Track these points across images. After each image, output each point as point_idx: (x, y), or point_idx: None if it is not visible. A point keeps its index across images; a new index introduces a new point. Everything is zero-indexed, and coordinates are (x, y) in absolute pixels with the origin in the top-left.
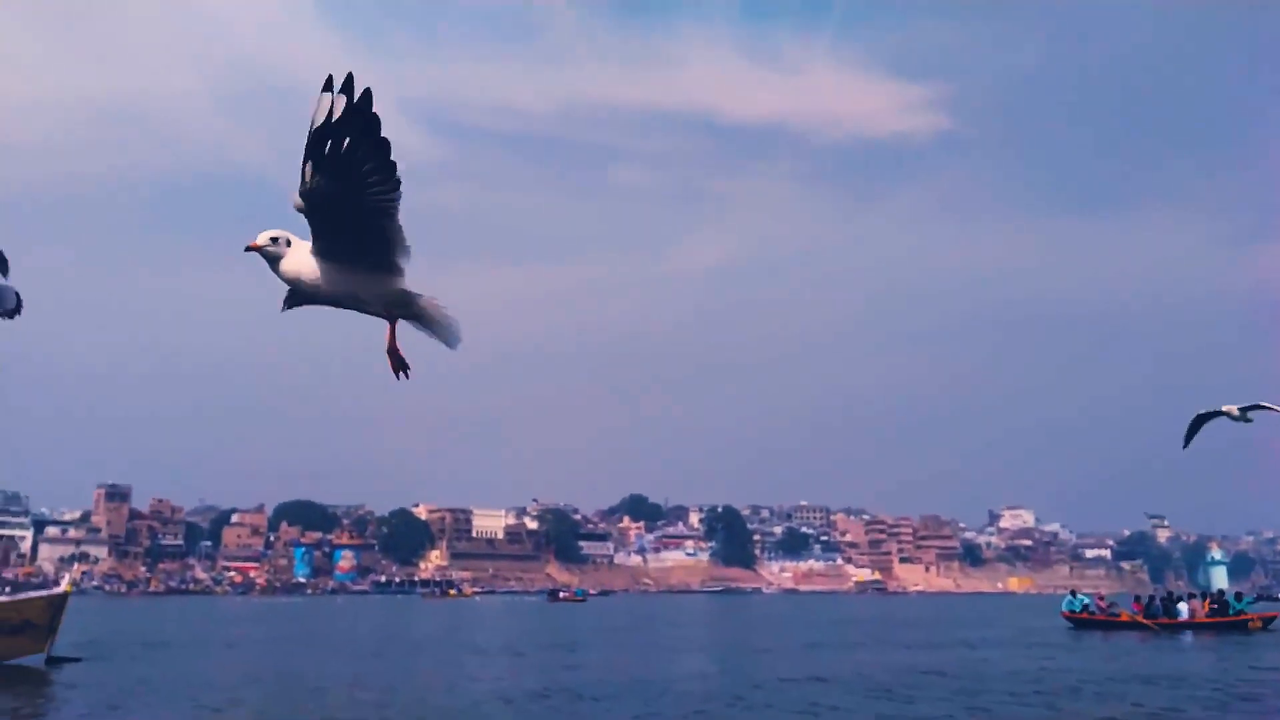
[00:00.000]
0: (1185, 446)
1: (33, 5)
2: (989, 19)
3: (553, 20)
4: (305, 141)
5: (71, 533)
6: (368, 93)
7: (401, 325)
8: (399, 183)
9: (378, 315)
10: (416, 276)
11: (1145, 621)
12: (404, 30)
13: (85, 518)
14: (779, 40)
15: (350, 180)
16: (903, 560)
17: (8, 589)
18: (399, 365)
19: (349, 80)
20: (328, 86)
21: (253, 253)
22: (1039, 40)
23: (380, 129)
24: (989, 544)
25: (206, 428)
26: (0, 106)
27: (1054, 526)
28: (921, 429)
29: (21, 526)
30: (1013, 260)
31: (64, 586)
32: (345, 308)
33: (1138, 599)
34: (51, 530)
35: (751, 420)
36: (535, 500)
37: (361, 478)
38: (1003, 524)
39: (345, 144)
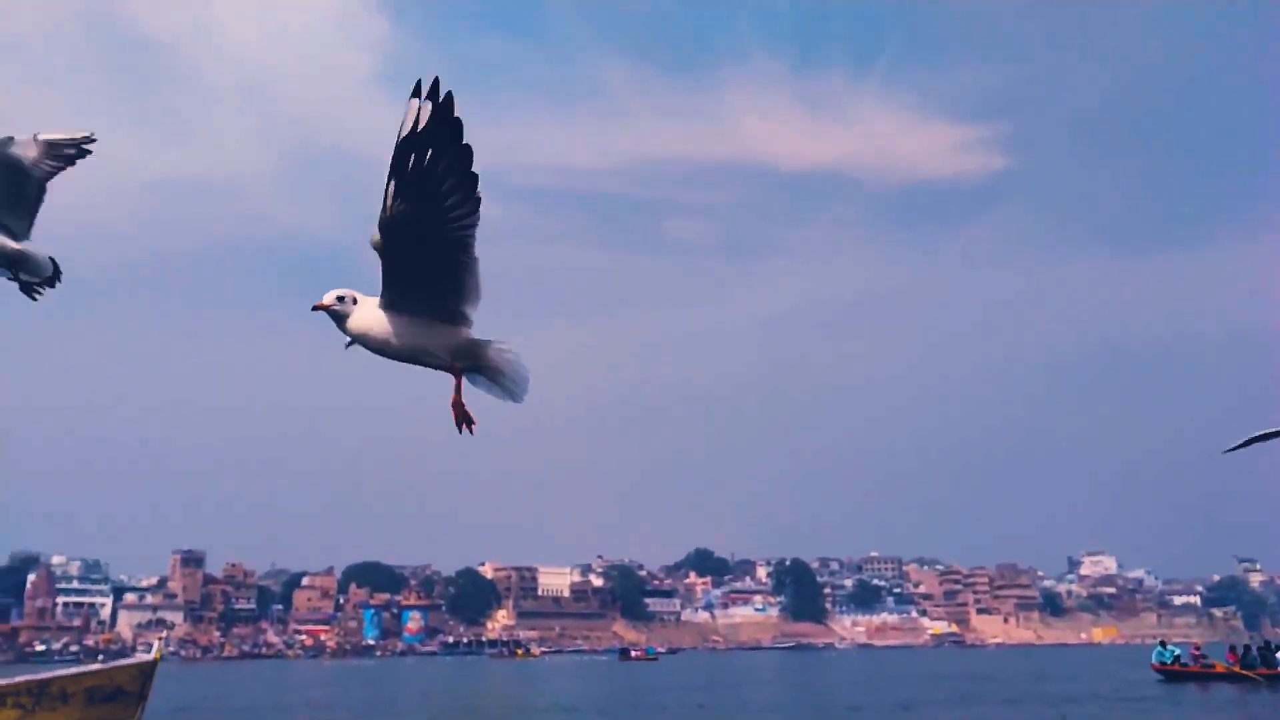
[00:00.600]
0: (1229, 450)
1: (124, 97)
2: (1042, 58)
3: (607, 80)
4: (391, 157)
5: (149, 599)
6: (450, 97)
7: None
8: (478, 202)
9: (443, 368)
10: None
11: (1243, 672)
12: (465, 97)
13: (162, 583)
14: (830, 88)
15: (432, 201)
16: (980, 611)
17: (100, 657)
18: (464, 419)
19: (435, 85)
20: (416, 92)
21: (319, 312)
22: (1096, 77)
23: (463, 133)
24: (1070, 592)
25: (277, 491)
26: (93, 190)
27: (1138, 573)
28: (994, 474)
29: (101, 594)
30: (1083, 298)
31: (154, 654)
32: (412, 362)
33: (1232, 648)
34: (130, 597)
35: (817, 471)
36: (600, 557)
37: (427, 537)
38: (1083, 571)
39: (429, 156)
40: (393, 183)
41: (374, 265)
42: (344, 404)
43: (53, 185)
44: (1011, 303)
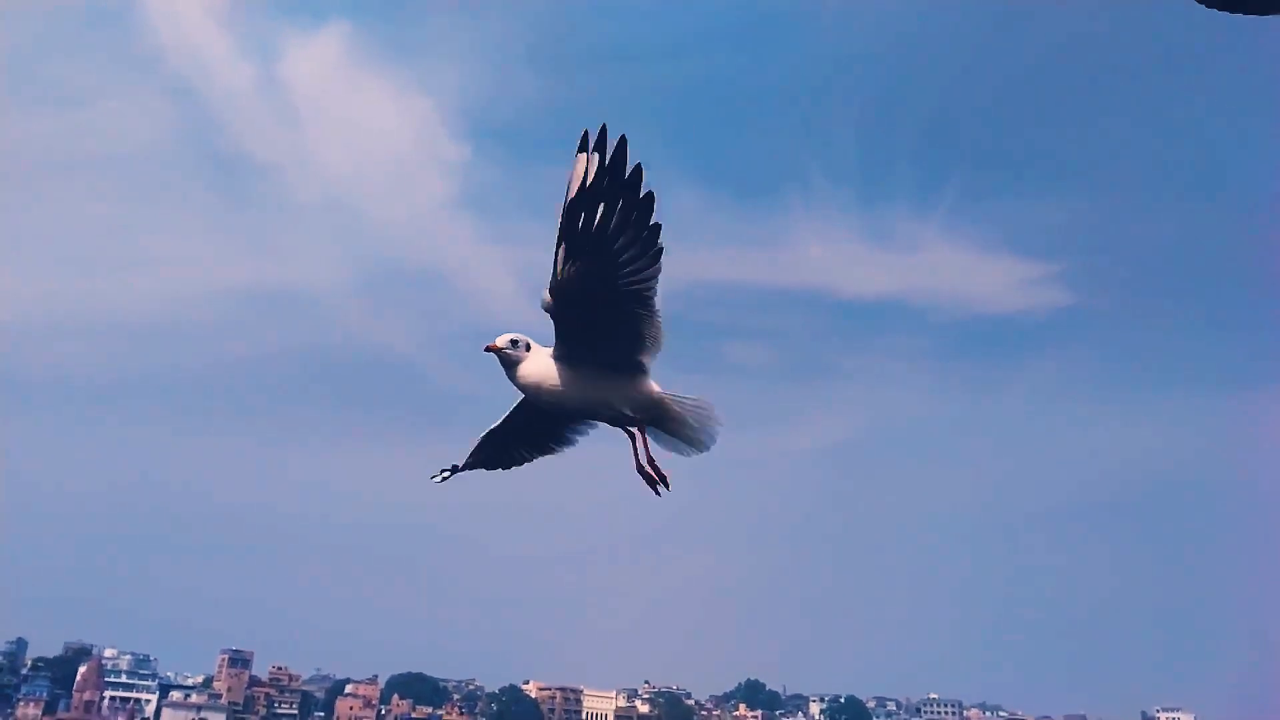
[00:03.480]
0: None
1: (217, 209)
2: (1108, 195)
3: (674, 204)
4: (561, 218)
5: (193, 698)
6: (623, 143)
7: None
8: (659, 253)
9: (622, 423)
10: (550, 456)
11: None
12: (535, 218)
13: (208, 682)
14: (893, 220)
15: (607, 259)
16: None
17: None
18: (657, 478)
19: (603, 135)
20: (583, 146)
21: (490, 353)
22: (1162, 215)
23: (642, 182)
24: None
25: (327, 594)
26: (173, 295)
27: None
28: (1060, 617)
29: (148, 689)
30: (1149, 438)
31: None
32: (587, 418)
33: None
34: (175, 694)
35: (874, 604)
36: (647, 682)
37: (473, 649)
38: None
39: (602, 213)
40: (563, 246)
41: (442, 376)
42: (396, 511)
43: (147, 287)
44: (1075, 440)
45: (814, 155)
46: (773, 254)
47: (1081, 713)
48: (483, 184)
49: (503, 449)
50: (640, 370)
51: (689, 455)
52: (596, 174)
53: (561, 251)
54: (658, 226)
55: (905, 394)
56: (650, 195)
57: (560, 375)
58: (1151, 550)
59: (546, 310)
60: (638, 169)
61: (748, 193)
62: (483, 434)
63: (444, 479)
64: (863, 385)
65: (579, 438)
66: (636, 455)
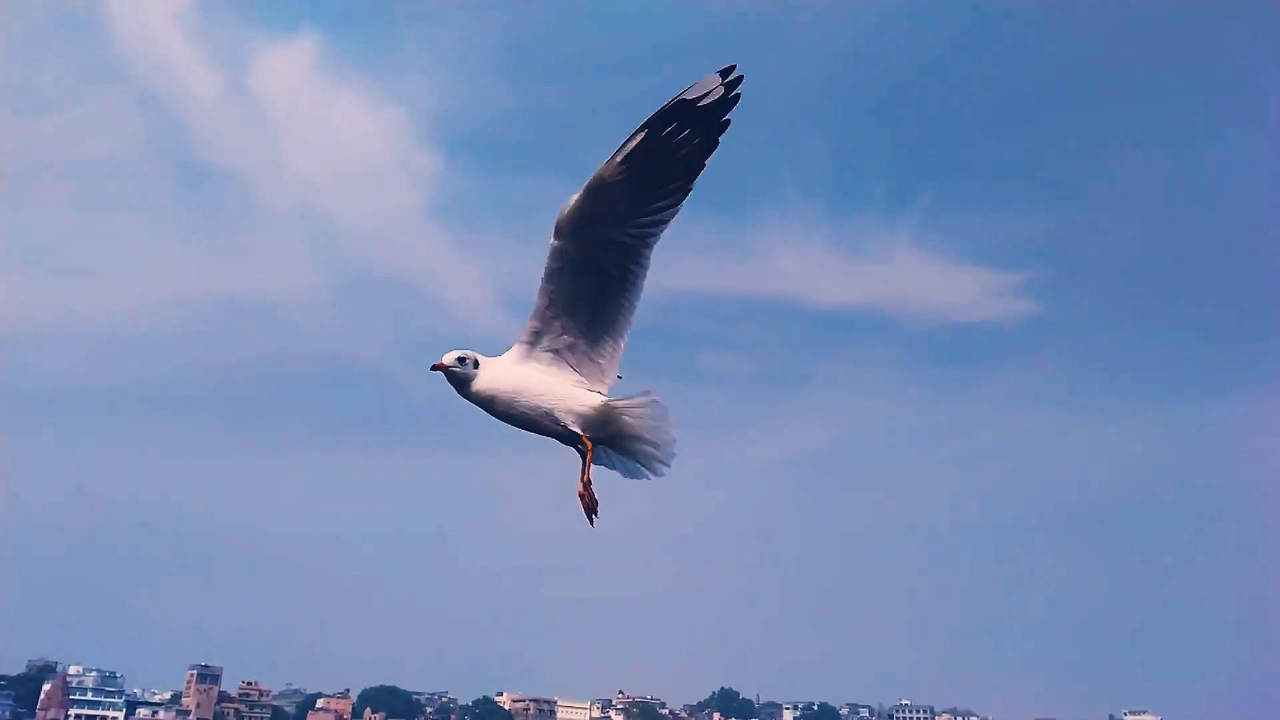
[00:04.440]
0: None
1: (188, 217)
2: (1076, 206)
3: None
4: (658, 111)
5: (161, 715)
6: (738, 90)
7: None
8: (687, 193)
9: (570, 441)
10: (523, 466)
11: None
12: (504, 229)
13: (176, 698)
14: (865, 231)
15: (654, 177)
16: None
17: None
18: (591, 507)
19: (739, 79)
20: (725, 72)
21: (438, 372)
22: (1130, 226)
23: (726, 129)
24: None
25: (296, 608)
26: (140, 304)
27: None
28: (1028, 622)
29: (115, 707)
30: (1116, 445)
31: None
32: (534, 429)
33: None
34: (143, 712)
35: (846, 611)
36: (621, 692)
37: (445, 661)
38: None
39: (686, 134)
40: (640, 136)
41: (418, 386)
42: (367, 523)
43: (114, 296)
44: (1043, 448)
45: (786, 167)
46: (746, 264)
47: (1051, 716)
48: (454, 193)
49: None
50: (598, 376)
51: (645, 479)
52: (713, 103)
53: (630, 145)
54: (703, 167)
55: (877, 402)
56: (717, 144)
57: (517, 378)
58: (1118, 556)
59: (559, 227)
60: (727, 122)
61: (720, 204)
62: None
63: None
64: (835, 394)
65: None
66: (581, 477)
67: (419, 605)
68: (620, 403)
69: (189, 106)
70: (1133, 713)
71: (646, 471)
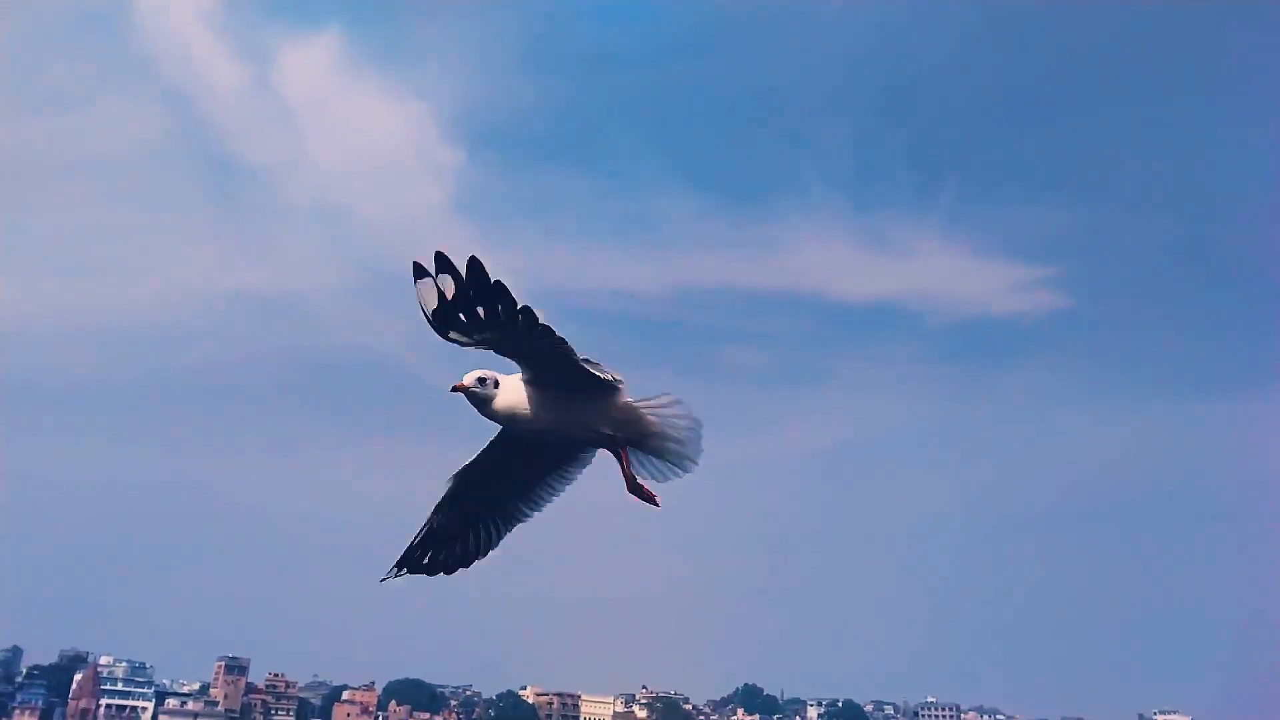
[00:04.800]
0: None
1: (209, 212)
2: (1105, 200)
3: (668, 210)
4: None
5: (189, 705)
6: (473, 261)
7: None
8: (538, 328)
9: (603, 444)
10: None
11: None
12: (528, 223)
13: (204, 689)
14: (889, 224)
15: (503, 343)
16: None
17: None
18: (647, 496)
19: (441, 259)
20: (418, 274)
21: (458, 393)
22: (1159, 220)
23: (498, 297)
24: None
25: (324, 600)
26: (165, 299)
27: None
28: (1057, 620)
29: (144, 697)
30: (1145, 442)
31: None
32: (568, 440)
33: None
34: (171, 702)
35: (872, 608)
36: (645, 687)
37: (470, 655)
38: None
39: (475, 312)
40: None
41: (436, 380)
42: (390, 517)
43: (138, 291)
44: (1070, 443)
45: (809, 159)
46: (768, 258)
47: (1078, 715)
48: (476, 188)
49: (464, 523)
50: (611, 387)
51: (676, 477)
52: (454, 295)
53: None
54: (526, 310)
55: (900, 398)
56: (499, 284)
57: (533, 400)
58: (1148, 553)
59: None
60: (481, 272)
61: (742, 197)
62: (431, 514)
63: (396, 575)
64: (858, 389)
65: (555, 493)
66: (625, 477)
67: (444, 599)
68: (641, 402)
69: (212, 102)
70: (1163, 713)
71: (676, 470)
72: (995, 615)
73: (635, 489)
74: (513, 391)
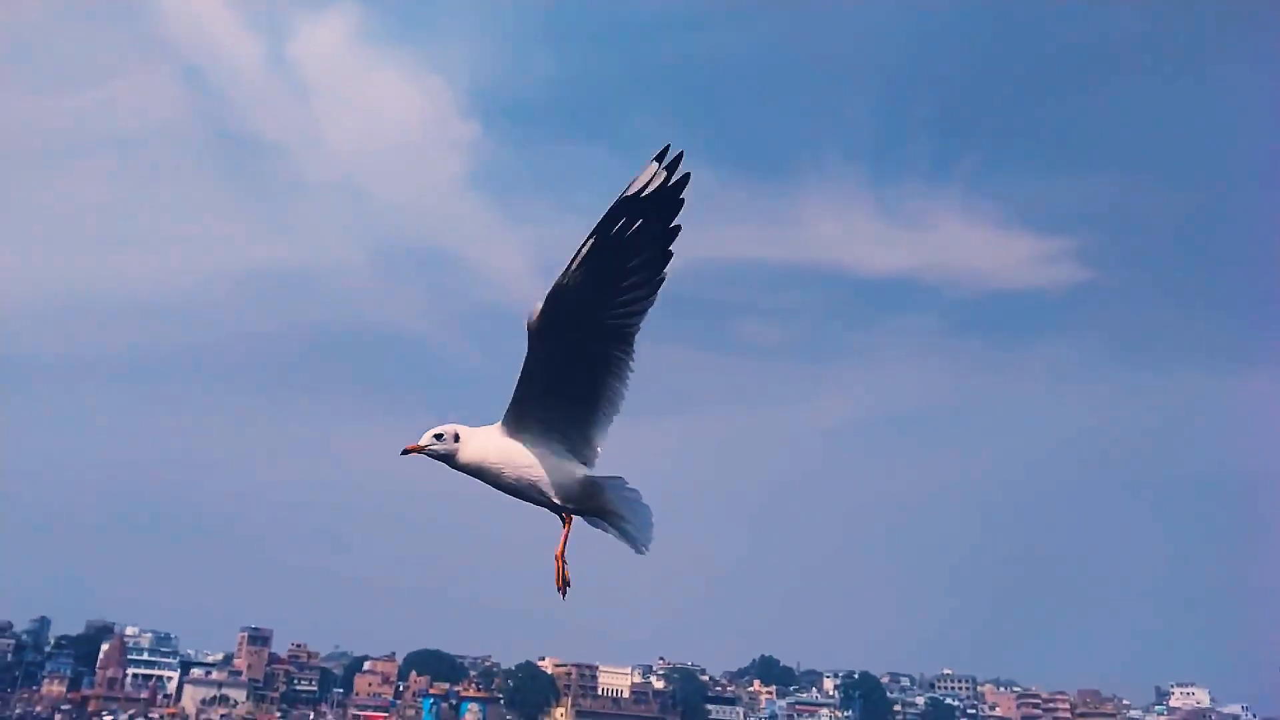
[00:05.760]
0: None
1: (229, 189)
2: (1126, 170)
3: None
4: (605, 213)
5: (214, 675)
6: (686, 174)
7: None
8: (660, 282)
9: (554, 510)
10: None
11: None
12: (544, 198)
13: (228, 659)
14: (908, 197)
15: (615, 274)
16: None
17: None
18: (562, 578)
19: (678, 159)
20: (660, 157)
21: (411, 455)
22: (1181, 191)
23: (679, 211)
24: None
25: (344, 572)
26: (184, 274)
27: (1234, 709)
28: (1073, 594)
29: (170, 667)
30: (1167, 418)
31: None
32: (521, 497)
33: None
34: (196, 671)
35: (887, 581)
36: (662, 658)
37: (489, 627)
38: (1173, 703)
39: (638, 225)
40: (590, 242)
41: (453, 354)
42: (409, 491)
43: (156, 267)
44: (1090, 418)
45: (828, 131)
46: (786, 231)
47: (1095, 688)
48: (492, 162)
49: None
50: (586, 450)
51: (628, 547)
52: (657, 189)
53: (585, 248)
54: (670, 255)
55: (918, 371)
56: (678, 229)
57: (503, 450)
58: (1167, 528)
59: (530, 328)
60: (681, 202)
61: (761, 170)
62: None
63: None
64: (875, 363)
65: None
66: (560, 544)
67: (462, 571)
68: (602, 479)
69: (229, 78)
70: (1180, 686)
71: (632, 545)
72: (1012, 588)
73: (558, 559)
74: (478, 441)
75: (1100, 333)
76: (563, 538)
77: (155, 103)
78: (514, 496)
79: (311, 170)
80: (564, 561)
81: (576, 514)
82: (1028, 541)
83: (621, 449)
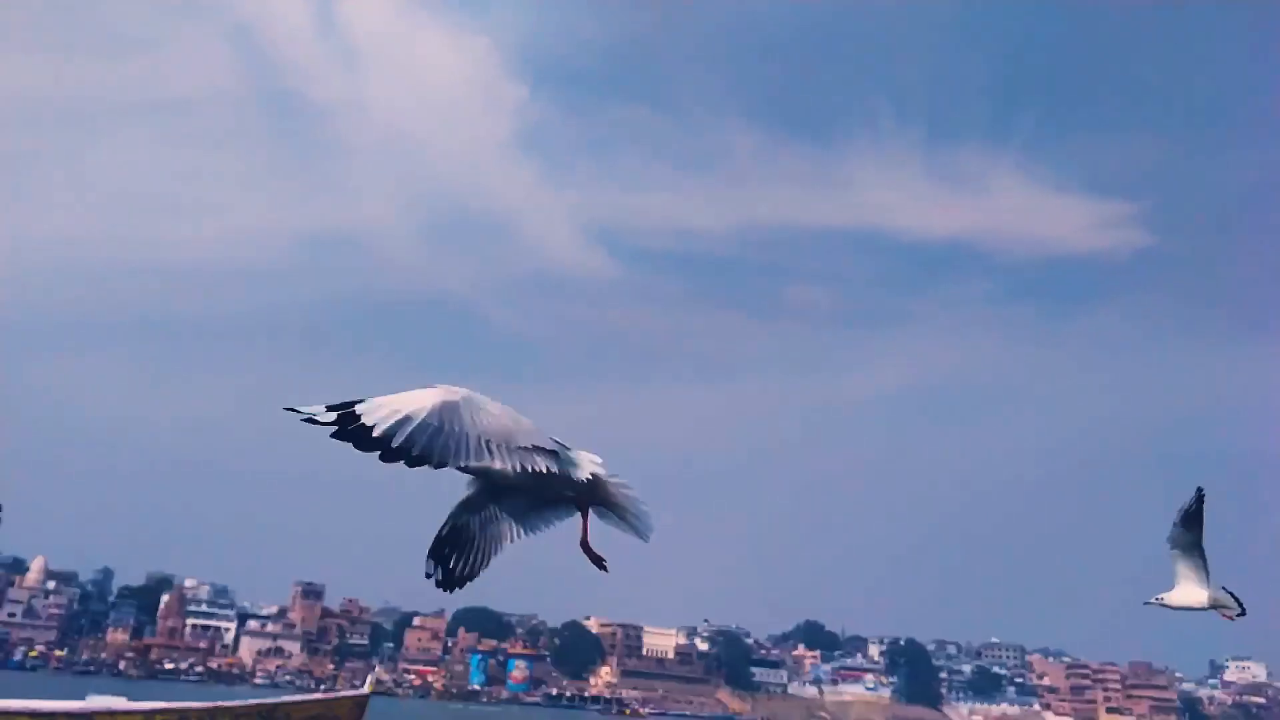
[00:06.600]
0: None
1: (279, 154)
2: (1191, 131)
3: (733, 146)
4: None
5: (269, 627)
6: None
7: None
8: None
9: (569, 502)
10: (604, 397)
11: None
12: (592, 160)
13: (282, 613)
14: (963, 159)
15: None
16: (1110, 710)
17: (285, 688)
18: (596, 559)
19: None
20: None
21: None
22: (1247, 153)
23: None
24: (1212, 699)
25: (395, 530)
26: (235, 237)
27: None
28: (1127, 565)
29: (227, 618)
30: (1227, 388)
31: (367, 688)
32: (538, 494)
33: None
34: (252, 623)
35: (935, 549)
36: (706, 621)
37: (535, 587)
38: (1228, 677)
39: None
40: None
41: (497, 318)
42: None
43: (206, 231)
44: (1151, 388)
45: (880, 90)
46: (835, 194)
47: (1147, 660)
48: (539, 124)
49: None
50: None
51: (634, 537)
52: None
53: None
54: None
55: (972, 340)
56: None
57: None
58: (1224, 500)
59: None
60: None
61: (810, 131)
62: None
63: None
64: (927, 330)
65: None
66: (583, 532)
67: None
68: (605, 478)
69: (277, 40)
70: (1236, 659)
71: (637, 535)
72: (1063, 560)
73: (586, 547)
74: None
75: (1163, 301)
76: (582, 528)
77: (205, 67)
78: (526, 493)
79: (359, 133)
80: (589, 546)
81: (591, 505)
82: (1079, 512)
83: (669, 414)
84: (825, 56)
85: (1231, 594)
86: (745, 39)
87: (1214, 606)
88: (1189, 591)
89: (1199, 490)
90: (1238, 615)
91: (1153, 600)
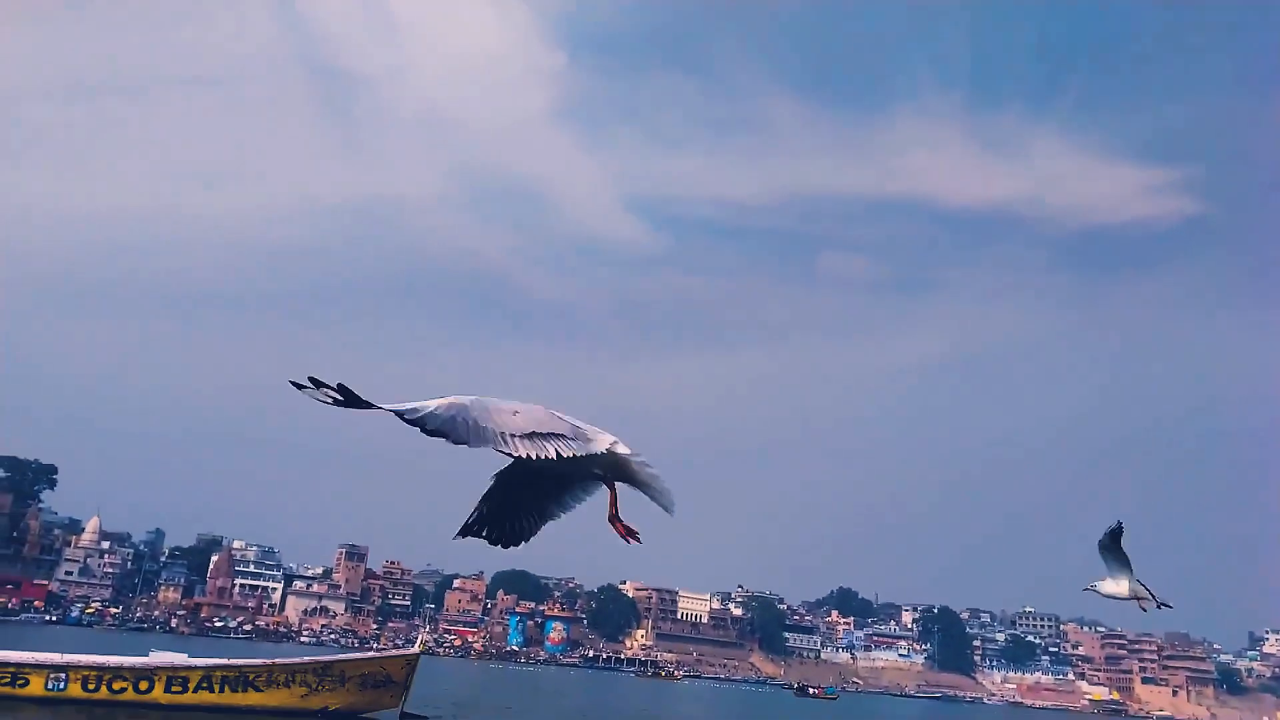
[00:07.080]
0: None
1: (318, 124)
2: (1238, 94)
3: (774, 114)
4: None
5: (314, 587)
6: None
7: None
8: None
9: (597, 479)
10: (643, 365)
11: None
12: (630, 128)
13: (326, 574)
14: (1007, 125)
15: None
16: (1145, 681)
17: (328, 643)
18: (628, 532)
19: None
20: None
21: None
22: None
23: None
24: (1250, 670)
25: (436, 494)
26: (276, 206)
27: None
28: (1163, 536)
29: (274, 579)
30: (1275, 356)
31: (417, 648)
32: (564, 472)
33: None
34: (298, 584)
35: (970, 518)
36: (741, 586)
37: (573, 551)
38: (1267, 649)
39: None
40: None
41: (538, 285)
42: None
43: (247, 200)
44: (1197, 357)
45: (922, 55)
46: (876, 161)
47: (1184, 631)
48: (578, 93)
49: (507, 513)
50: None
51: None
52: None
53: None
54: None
55: (1015, 308)
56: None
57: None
58: (1267, 473)
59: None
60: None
61: (851, 97)
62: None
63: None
64: (970, 299)
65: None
66: (611, 507)
67: None
68: (627, 455)
69: (320, 12)
70: (1275, 632)
71: (662, 507)
72: (1100, 529)
73: (614, 521)
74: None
75: (1212, 267)
76: (612, 501)
77: (249, 39)
78: (556, 471)
79: (401, 103)
80: (620, 521)
81: (617, 480)
82: (1123, 482)
83: (709, 381)
84: (865, 20)
85: (1148, 589)
86: (785, 3)
87: (1134, 597)
88: (1115, 583)
89: (1119, 523)
90: (1160, 606)
91: (1088, 587)
